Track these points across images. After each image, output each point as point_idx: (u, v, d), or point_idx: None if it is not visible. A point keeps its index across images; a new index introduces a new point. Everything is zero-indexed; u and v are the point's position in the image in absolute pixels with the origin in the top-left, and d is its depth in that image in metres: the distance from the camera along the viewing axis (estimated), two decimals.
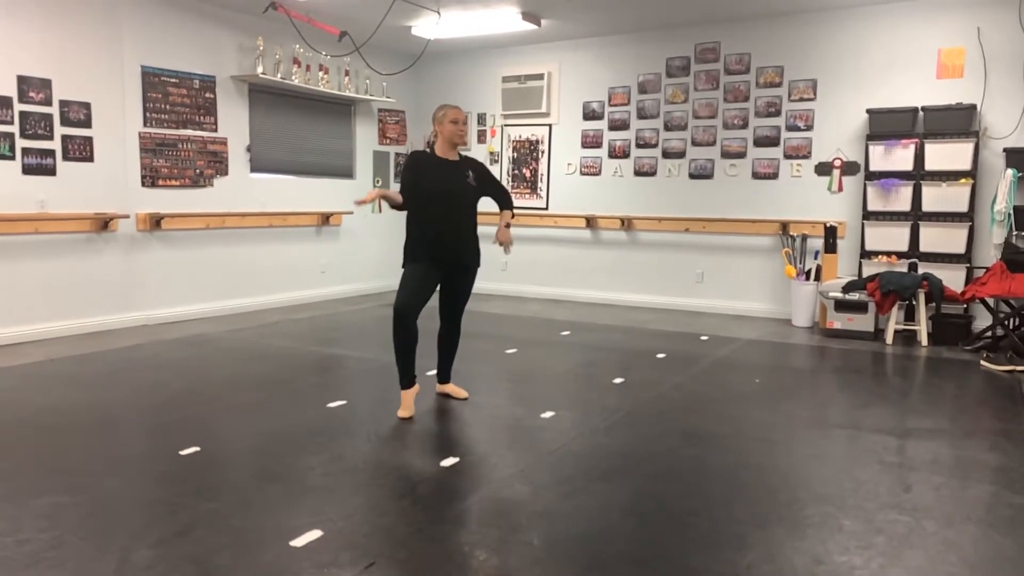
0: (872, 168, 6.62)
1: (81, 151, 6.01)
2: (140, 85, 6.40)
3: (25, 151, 5.67)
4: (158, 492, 2.97)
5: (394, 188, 9.13)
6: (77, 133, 5.98)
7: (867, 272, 6.57)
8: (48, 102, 5.79)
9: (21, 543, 2.51)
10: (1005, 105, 6.30)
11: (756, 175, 7.39)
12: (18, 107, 5.61)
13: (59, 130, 5.86)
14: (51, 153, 5.83)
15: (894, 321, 6.21)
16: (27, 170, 5.70)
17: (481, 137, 8.91)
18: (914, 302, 6.23)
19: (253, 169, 7.42)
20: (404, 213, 4.06)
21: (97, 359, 5.26)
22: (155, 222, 6.52)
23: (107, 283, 6.27)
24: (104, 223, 6.18)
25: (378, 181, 8.82)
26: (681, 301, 7.85)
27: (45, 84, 5.76)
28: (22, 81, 5.63)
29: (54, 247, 5.92)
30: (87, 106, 6.03)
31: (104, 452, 3.42)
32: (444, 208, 3.98)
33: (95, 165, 6.11)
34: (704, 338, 6.31)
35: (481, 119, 8.88)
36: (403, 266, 4.02)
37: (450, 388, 4.36)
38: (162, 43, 6.54)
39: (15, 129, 5.60)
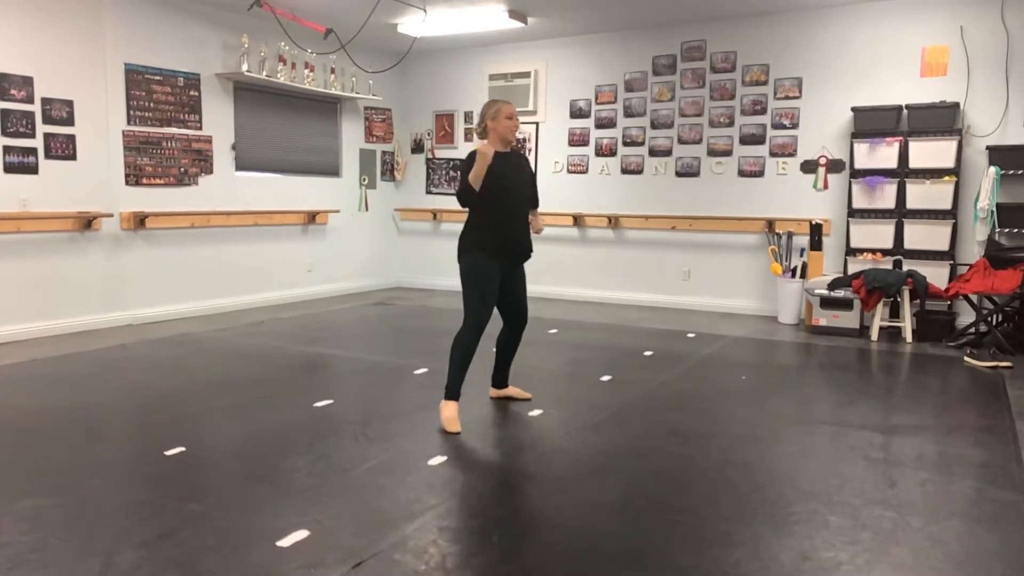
0: (857, 166, 6.66)
1: (64, 149, 5.95)
2: (123, 83, 6.34)
3: (6, 149, 5.61)
4: (143, 493, 2.95)
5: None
6: (59, 131, 5.92)
7: (852, 269, 6.61)
8: (30, 100, 5.72)
9: (2, 546, 2.48)
10: (988, 103, 6.35)
11: (742, 173, 7.41)
12: None
13: (41, 128, 5.80)
14: (33, 151, 5.77)
15: (879, 318, 6.25)
16: (8, 168, 5.63)
17: (468, 135, 8.89)
18: (899, 299, 6.27)
19: (238, 167, 7.37)
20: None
21: (80, 359, 5.21)
22: (139, 221, 6.46)
23: (91, 282, 6.21)
24: (87, 222, 6.12)
25: (364, 179, 8.79)
26: (668, 299, 7.87)
27: (27, 81, 5.70)
28: (3, 78, 5.56)
29: (36, 246, 5.86)
30: (70, 104, 5.97)
31: (88, 453, 3.39)
32: (510, 204, 3.89)
33: (78, 163, 6.05)
34: (691, 336, 6.33)
35: (468, 117, 8.87)
36: (462, 259, 3.88)
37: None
38: (146, 40, 6.48)
39: None
